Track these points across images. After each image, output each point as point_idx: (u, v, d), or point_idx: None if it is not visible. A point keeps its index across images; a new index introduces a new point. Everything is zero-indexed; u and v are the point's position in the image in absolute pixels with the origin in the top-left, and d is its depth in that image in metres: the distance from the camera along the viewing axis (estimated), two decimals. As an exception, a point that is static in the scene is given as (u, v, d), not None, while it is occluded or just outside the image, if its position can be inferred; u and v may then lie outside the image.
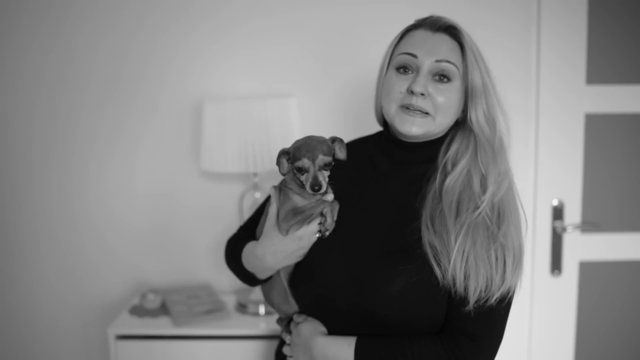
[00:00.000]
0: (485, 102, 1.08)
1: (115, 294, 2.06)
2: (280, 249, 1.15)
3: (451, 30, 1.09)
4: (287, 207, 1.14)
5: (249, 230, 1.34)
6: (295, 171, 1.10)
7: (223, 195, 2.00)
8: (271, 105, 1.72)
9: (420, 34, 1.10)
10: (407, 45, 1.10)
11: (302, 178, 1.09)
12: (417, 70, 1.08)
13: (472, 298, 1.02)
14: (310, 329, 1.15)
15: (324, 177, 1.08)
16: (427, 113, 1.08)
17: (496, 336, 1.08)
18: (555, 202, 1.98)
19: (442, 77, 1.07)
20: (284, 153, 1.13)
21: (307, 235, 1.13)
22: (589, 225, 1.98)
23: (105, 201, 2.02)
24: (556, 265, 2.01)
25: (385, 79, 1.13)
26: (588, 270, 2.03)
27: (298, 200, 1.13)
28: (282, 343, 1.33)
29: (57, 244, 2.04)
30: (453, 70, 1.06)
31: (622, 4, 1.91)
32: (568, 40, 1.90)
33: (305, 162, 1.07)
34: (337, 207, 1.15)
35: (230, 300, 1.93)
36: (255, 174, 1.85)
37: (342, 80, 1.94)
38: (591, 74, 1.93)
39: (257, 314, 1.83)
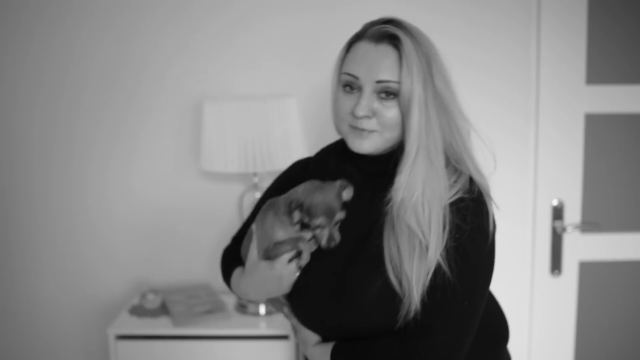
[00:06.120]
0: (425, 110, 1.02)
1: (115, 294, 2.06)
2: (262, 288, 1.16)
3: (394, 40, 1.03)
4: (267, 242, 1.12)
5: (240, 243, 1.32)
6: (303, 222, 1.09)
7: (223, 195, 2.00)
8: (271, 105, 1.72)
9: (363, 48, 1.05)
10: (350, 63, 1.07)
11: (316, 232, 1.08)
12: (360, 90, 1.05)
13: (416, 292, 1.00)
14: (302, 339, 1.19)
15: (337, 231, 1.09)
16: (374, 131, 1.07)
17: (453, 326, 1.02)
18: (555, 202, 1.98)
19: (387, 94, 1.03)
20: (298, 206, 1.08)
21: (287, 275, 1.12)
22: (588, 225, 1.98)
23: (105, 201, 2.02)
24: (556, 265, 2.01)
25: (334, 97, 1.12)
26: (588, 270, 2.03)
27: (279, 232, 1.11)
28: None
29: (57, 244, 2.04)
30: (396, 88, 1.02)
31: (622, 4, 1.91)
32: (568, 40, 1.90)
33: (322, 221, 1.07)
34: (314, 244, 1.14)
35: (230, 300, 1.93)
36: (255, 174, 1.85)
37: (342, 80, 1.94)
38: (591, 74, 1.93)
39: (257, 314, 1.83)
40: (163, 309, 1.85)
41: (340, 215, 1.08)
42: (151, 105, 1.97)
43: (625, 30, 1.92)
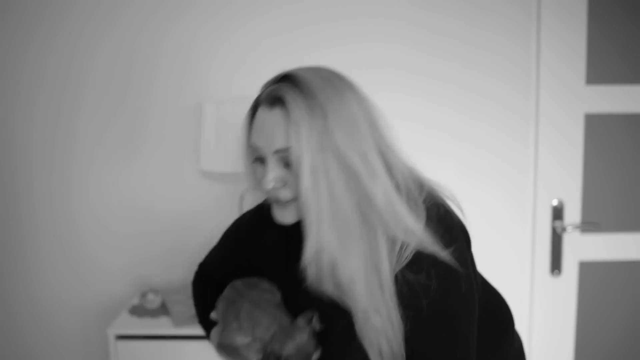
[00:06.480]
0: (324, 174, 0.88)
1: (115, 294, 2.06)
2: None
3: (284, 102, 0.91)
4: (226, 338, 1.08)
5: (211, 273, 1.30)
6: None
7: (223, 195, 2.00)
8: (271, 105, 1.72)
9: (261, 115, 0.95)
10: (253, 132, 0.97)
11: None
12: (265, 161, 0.95)
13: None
14: None
15: None
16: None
17: None
18: (555, 202, 1.98)
19: (287, 164, 0.93)
20: (272, 354, 1.03)
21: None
22: (588, 225, 1.98)
23: (105, 201, 2.02)
24: (556, 265, 2.01)
25: (249, 169, 1.03)
26: (588, 270, 2.03)
27: (239, 337, 1.07)
28: None
29: (57, 243, 2.04)
30: (293, 155, 0.90)
31: (622, 4, 1.91)
32: (568, 40, 1.90)
33: None
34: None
35: (230, 300, 1.93)
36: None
37: (342, 80, 1.93)
38: (591, 74, 1.93)
39: (257, 314, 1.82)
40: (163, 309, 1.85)
41: (316, 355, 1.03)
42: (151, 105, 1.97)
43: (625, 30, 1.92)
